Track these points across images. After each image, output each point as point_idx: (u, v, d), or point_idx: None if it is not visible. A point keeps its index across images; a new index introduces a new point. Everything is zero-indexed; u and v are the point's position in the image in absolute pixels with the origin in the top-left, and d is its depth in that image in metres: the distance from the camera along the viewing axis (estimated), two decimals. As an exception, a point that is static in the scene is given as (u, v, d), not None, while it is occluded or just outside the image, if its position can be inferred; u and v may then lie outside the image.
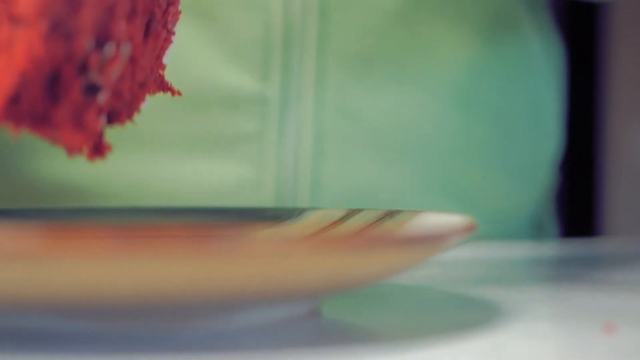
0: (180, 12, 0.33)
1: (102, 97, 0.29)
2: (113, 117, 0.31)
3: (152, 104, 0.34)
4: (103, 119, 0.30)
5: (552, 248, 0.59)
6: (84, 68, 0.28)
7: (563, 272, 0.44)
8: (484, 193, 0.57)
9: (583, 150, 0.75)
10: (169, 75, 0.34)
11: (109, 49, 0.29)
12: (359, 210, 0.37)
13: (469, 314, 0.32)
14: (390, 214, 0.36)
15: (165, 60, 0.33)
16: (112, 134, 0.33)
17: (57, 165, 0.51)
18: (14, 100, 0.26)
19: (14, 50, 0.26)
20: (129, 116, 0.32)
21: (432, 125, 0.54)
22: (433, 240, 0.27)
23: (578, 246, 0.62)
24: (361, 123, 0.52)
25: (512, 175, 0.59)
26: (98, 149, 0.30)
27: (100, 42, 0.29)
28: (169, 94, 0.34)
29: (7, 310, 0.25)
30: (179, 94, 0.34)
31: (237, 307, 0.27)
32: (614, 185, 0.76)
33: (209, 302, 0.26)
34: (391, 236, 0.26)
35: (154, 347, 0.26)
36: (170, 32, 0.33)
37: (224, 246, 0.24)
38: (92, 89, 0.29)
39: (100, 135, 0.30)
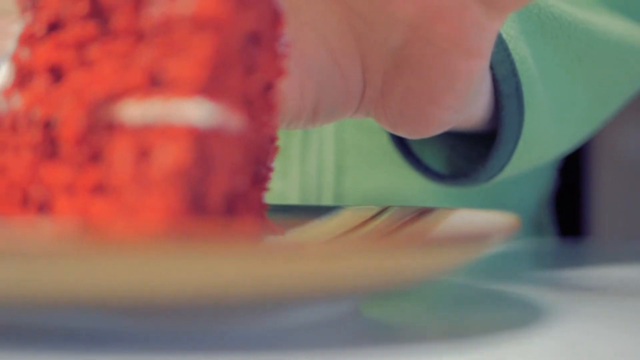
0: (278, 147, 0.32)
1: None
2: None
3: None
4: None
5: (557, 246, 0.59)
6: None
7: (588, 272, 0.44)
8: (497, 196, 0.57)
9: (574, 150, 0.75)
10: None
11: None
12: (390, 208, 0.37)
13: (513, 312, 0.32)
14: (423, 211, 0.35)
15: (266, 199, 0.33)
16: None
17: None
18: None
19: (144, 216, 0.26)
20: None
21: None
22: (482, 239, 0.27)
23: (589, 246, 0.62)
24: (380, 136, 0.52)
25: (520, 178, 0.59)
26: None
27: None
28: None
29: (54, 309, 0.25)
30: (281, 232, 0.33)
31: (282, 307, 0.27)
32: (603, 185, 0.76)
33: (254, 303, 0.25)
34: (444, 236, 0.25)
35: (196, 346, 0.25)
36: (270, 169, 0.32)
37: (274, 246, 0.23)
38: None
39: None
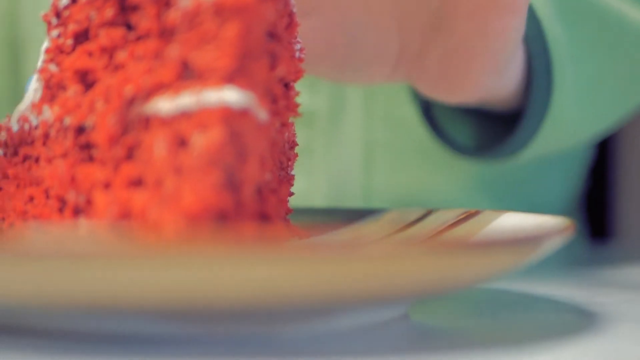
0: (297, 154, 0.33)
1: None
2: None
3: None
4: None
5: (589, 247, 0.59)
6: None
7: (627, 273, 0.43)
8: (528, 194, 0.57)
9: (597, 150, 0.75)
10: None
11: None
12: (435, 210, 0.36)
13: (562, 315, 0.31)
14: (469, 214, 0.35)
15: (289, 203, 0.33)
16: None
17: None
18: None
19: (183, 202, 0.26)
20: None
21: None
22: (542, 242, 0.26)
23: (621, 247, 0.62)
24: (410, 132, 0.51)
25: (550, 177, 0.59)
26: None
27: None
28: None
29: (107, 314, 0.25)
30: (307, 236, 0.33)
31: (335, 310, 0.26)
32: (629, 187, 0.76)
33: (309, 306, 0.25)
34: (504, 238, 0.25)
35: (244, 350, 0.25)
36: (291, 177, 0.33)
37: (339, 250, 0.23)
38: None
39: None
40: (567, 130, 0.44)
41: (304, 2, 0.38)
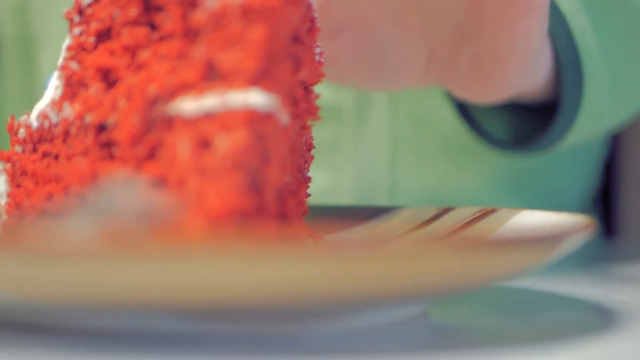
0: (313, 156, 0.33)
1: None
2: None
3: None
4: None
5: (602, 245, 0.58)
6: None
7: (638, 271, 0.43)
8: (551, 190, 0.57)
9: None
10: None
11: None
12: (451, 209, 0.36)
13: (582, 314, 0.31)
14: (485, 212, 0.35)
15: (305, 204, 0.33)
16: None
17: None
18: None
19: (206, 204, 0.26)
20: None
21: None
22: (562, 240, 0.26)
23: (631, 245, 0.62)
24: (434, 129, 0.52)
25: (571, 173, 0.58)
26: None
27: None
28: None
29: (127, 313, 0.25)
30: (320, 237, 0.33)
31: (355, 309, 0.26)
32: (628, 184, 0.76)
33: (330, 305, 0.25)
34: (527, 236, 0.25)
35: (263, 348, 0.25)
36: (307, 179, 0.33)
37: (359, 248, 0.23)
38: None
39: None
40: (602, 118, 0.45)
41: (334, 19, 0.39)
